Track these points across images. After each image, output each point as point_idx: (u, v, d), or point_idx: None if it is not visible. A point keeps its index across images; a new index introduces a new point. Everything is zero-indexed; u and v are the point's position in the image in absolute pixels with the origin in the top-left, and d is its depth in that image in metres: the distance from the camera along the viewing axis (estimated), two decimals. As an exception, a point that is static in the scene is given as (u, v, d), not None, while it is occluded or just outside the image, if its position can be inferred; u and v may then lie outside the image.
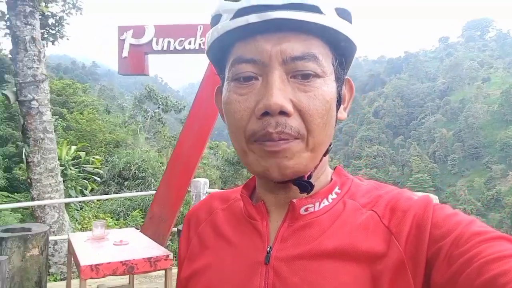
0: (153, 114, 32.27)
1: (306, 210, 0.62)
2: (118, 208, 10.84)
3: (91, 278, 2.25)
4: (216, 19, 0.61)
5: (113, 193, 11.76)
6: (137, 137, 26.28)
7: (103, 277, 2.27)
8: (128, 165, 16.06)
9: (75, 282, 3.45)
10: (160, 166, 17.75)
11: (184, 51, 3.80)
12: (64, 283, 4.63)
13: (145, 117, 33.14)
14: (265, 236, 0.63)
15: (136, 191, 12.72)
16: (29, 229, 3.28)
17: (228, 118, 0.60)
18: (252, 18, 0.55)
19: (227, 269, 0.64)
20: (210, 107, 3.95)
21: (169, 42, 3.81)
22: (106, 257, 2.38)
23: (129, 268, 2.31)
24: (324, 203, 0.63)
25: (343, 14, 0.59)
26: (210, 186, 4.34)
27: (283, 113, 0.55)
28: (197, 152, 4.05)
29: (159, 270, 2.41)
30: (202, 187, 4.16)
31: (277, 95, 0.54)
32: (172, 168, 4.13)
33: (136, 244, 2.79)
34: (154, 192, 5.09)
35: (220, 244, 0.68)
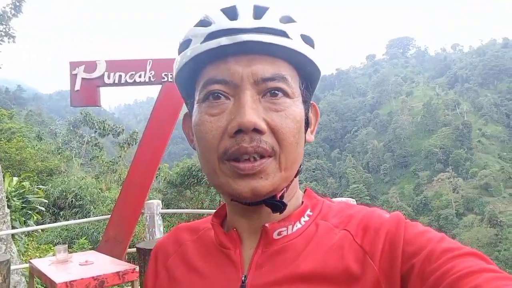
0: (89, 139, 31.17)
1: (279, 234, 0.61)
2: (55, 239, 10.51)
3: (66, 294, 2.50)
4: (185, 45, 0.62)
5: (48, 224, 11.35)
6: (71, 164, 25.14)
7: (77, 292, 2.53)
8: (64, 193, 15.34)
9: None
10: (99, 193, 17.15)
11: (135, 83, 4.11)
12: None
13: (81, 143, 31.87)
14: (239, 265, 0.61)
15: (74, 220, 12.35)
16: (-10, 259, 3.41)
17: (199, 139, 0.60)
18: (224, 40, 0.56)
19: None
20: (163, 130, 4.28)
21: (120, 76, 4.10)
22: (78, 275, 2.64)
23: (100, 283, 2.58)
24: (297, 225, 0.62)
25: (308, 40, 0.62)
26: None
27: (257, 130, 0.55)
28: (150, 174, 4.34)
29: (127, 281, 2.71)
30: (155, 208, 4.44)
31: (250, 113, 0.54)
32: (126, 191, 4.37)
33: (101, 263, 3.05)
34: (103, 217, 5.18)
35: (192, 278, 0.65)
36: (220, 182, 0.59)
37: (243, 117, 0.54)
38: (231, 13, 0.59)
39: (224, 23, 0.58)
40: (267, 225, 0.61)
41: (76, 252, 7.52)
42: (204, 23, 0.61)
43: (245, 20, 0.58)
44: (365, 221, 0.60)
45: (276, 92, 0.58)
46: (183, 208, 18.41)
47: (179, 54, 0.63)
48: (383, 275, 0.53)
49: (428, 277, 0.49)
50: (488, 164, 73.78)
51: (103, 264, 3.01)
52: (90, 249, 7.79)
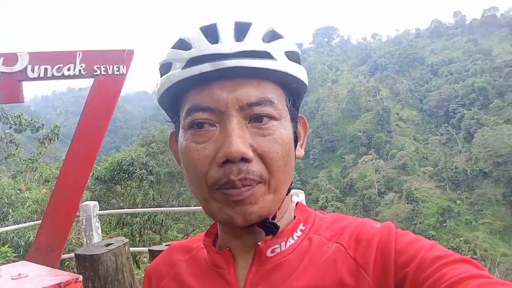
0: (3, 136, 28.37)
1: (273, 251, 0.61)
2: (-34, 250, 9.51)
3: (0, 314, 2.25)
4: (166, 67, 0.61)
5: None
6: (-19, 164, 22.76)
7: (13, 311, 2.30)
8: (-24, 198, 13.86)
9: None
10: (18, 194, 15.75)
11: (63, 77, 3.76)
12: None
13: (-7, 140, 28.93)
14: (233, 285, 0.61)
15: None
16: None
17: (187, 166, 0.59)
18: (206, 67, 0.55)
19: None
20: (97, 126, 4.01)
21: (46, 69, 3.72)
22: (13, 291, 2.39)
23: (40, 297, 2.37)
24: (290, 241, 0.62)
25: (293, 56, 0.61)
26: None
27: (245, 159, 0.54)
28: (85, 174, 4.06)
29: (70, 293, 2.52)
30: (92, 210, 4.19)
31: (237, 142, 0.53)
32: (59, 193, 4.04)
33: (37, 274, 2.79)
34: (32, 223, 4.75)
35: None
36: (212, 208, 0.58)
37: (231, 147, 0.53)
38: (212, 34, 0.58)
39: (205, 47, 0.57)
40: (260, 243, 0.61)
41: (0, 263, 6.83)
42: (184, 44, 0.59)
43: (227, 43, 0.56)
44: (357, 232, 0.61)
45: (262, 117, 0.57)
46: (113, 205, 17.62)
47: (160, 77, 0.62)
48: (377, 287, 0.54)
49: (420, 285, 0.50)
50: (405, 145, 79.95)
51: (40, 276, 2.76)
52: (15, 257, 7.15)
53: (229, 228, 0.64)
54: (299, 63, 0.63)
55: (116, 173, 18.45)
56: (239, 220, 0.57)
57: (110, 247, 3.15)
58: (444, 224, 56.22)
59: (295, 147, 0.65)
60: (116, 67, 3.87)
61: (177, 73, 0.58)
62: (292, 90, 0.63)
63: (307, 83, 0.64)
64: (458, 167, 67.24)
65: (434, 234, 53.67)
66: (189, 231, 17.58)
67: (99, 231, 4.20)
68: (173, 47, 0.61)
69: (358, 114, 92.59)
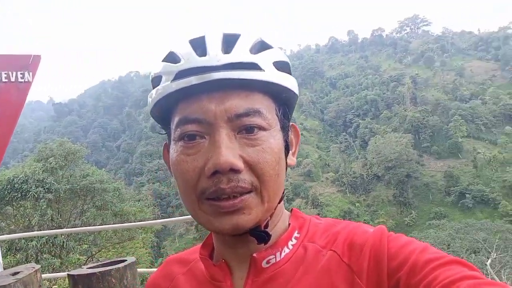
0: None
1: (268, 262, 0.61)
2: None
3: None
4: (156, 80, 0.61)
5: None
6: None
7: None
8: None
9: None
10: None
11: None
12: None
13: None
14: None
15: None
16: None
17: (178, 178, 0.60)
18: (194, 80, 0.56)
19: None
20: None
21: None
22: None
23: None
24: (285, 251, 0.62)
25: (281, 66, 0.61)
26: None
27: (234, 170, 0.54)
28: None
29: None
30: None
31: (226, 153, 0.53)
32: None
33: None
34: None
35: None
36: (202, 220, 0.59)
37: (219, 158, 0.54)
38: (200, 47, 0.58)
39: (193, 60, 0.57)
40: (255, 255, 0.61)
41: None
42: (173, 57, 0.60)
43: (215, 56, 0.56)
44: (350, 238, 0.61)
45: (251, 127, 0.57)
46: (3, 228, 15.70)
47: (153, 88, 0.62)
48: None
49: None
50: (309, 153, 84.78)
51: None
52: None
53: (223, 238, 0.64)
54: (289, 73, 0.63)
55: (6, 192, 16.40)
56: (228, 230, 0.57)
57: (18, 276, 2.78)
58: (346, 226, 60.53)
59: (287, 156, 0.65)
60: (21, 73, 3.45)
61: (166, 86, 0.58)
62: (282, 99, 0.63)
63: (297, 92, 0.65)
64: (356, 172, 73.30)
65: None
66: (94, 252, 16.37)
67: (0, 259, 3.67)
68: (163, 60, 0.61)
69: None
